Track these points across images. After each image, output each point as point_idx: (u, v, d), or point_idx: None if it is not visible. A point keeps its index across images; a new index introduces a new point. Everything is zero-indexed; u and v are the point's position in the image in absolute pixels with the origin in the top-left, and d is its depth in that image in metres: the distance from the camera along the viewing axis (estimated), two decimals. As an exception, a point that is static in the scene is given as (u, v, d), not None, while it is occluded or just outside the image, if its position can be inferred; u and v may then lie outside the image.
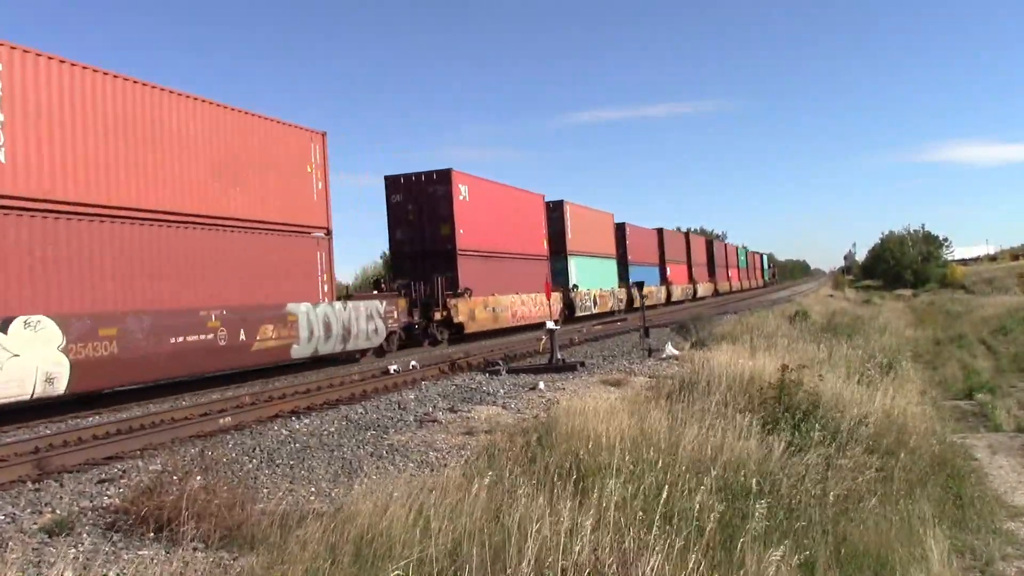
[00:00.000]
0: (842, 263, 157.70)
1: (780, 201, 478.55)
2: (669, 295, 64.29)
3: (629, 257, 55.50)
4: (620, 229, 55.27)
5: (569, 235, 44.41)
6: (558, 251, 43.11)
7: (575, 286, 43.95)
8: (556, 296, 38.99)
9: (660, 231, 66.81)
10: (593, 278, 47.65)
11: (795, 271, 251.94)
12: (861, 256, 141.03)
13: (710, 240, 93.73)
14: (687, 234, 78.59)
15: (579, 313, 43.84)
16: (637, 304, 50.30)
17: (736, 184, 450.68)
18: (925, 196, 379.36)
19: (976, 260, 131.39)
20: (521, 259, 37.99)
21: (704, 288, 79.42)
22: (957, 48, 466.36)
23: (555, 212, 43.62)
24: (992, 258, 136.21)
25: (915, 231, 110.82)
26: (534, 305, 38.04)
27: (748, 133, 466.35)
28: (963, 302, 58.36)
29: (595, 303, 47.22)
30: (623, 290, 52.30)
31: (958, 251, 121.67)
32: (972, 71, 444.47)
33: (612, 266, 52.54)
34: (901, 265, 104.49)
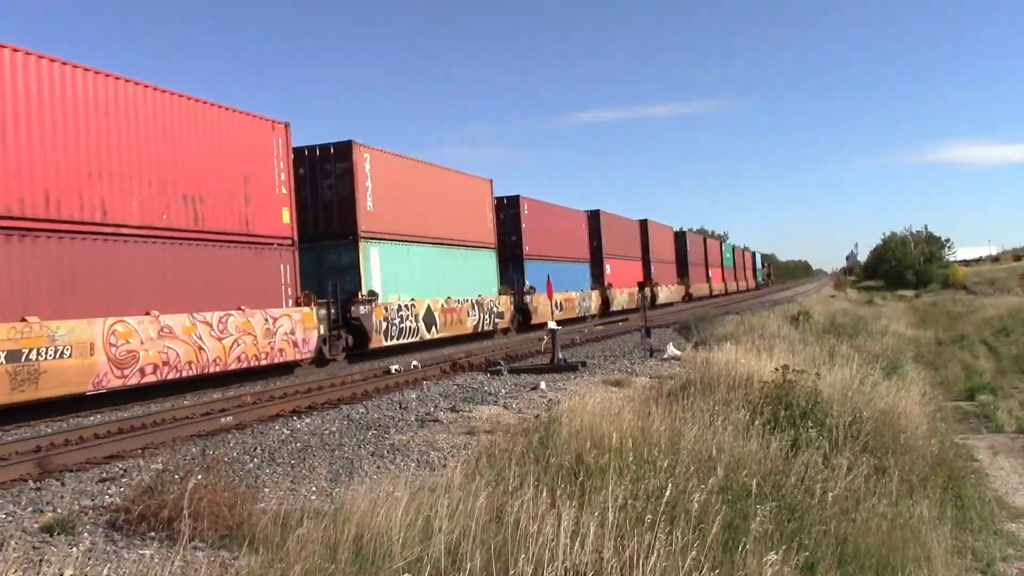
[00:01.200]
0: (844, 263, 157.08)
1: (782, 201, 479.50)
2: (606, 302, 48.53)
3: (525, 248, 37.90)
4: (510, 206, 37.87)
5: (369, 205, 25.76)
6: (342, 233, 25.22)
7: (372, 294, 25.29)
8: (309, 315, 22.10)
9: (595, 214, 49.17)
10: (433, 280, 29.42)
11: (797, 271, 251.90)
12: (863, 257, 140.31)
13: (681, 232, 75.02)
14: (644, 223, 60.71)
15: (385, 341, 25.77)
16: (538, 321, 35.98)
17: (738, 185, 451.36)
18: (927, 196, 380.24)
19: (978, 261, 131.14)
20: (197, 243, 19.19)
21: (669, 292, 63.64)
22: (958, 48, 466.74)
23: (337, 162, 25.50)
24: (994, 259, 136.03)
25: (917, 232, 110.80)
26: (244, 333, 19.63)
27: (749, 134, 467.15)
28: (965, 303, 58.46)
29: (432, 322, 28.85)
30: (506, 298, 35.19)
31: (960, 252, 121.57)
32: (973, 71, 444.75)
33: (486, 261, 34.17)
34: (903, 266, 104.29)
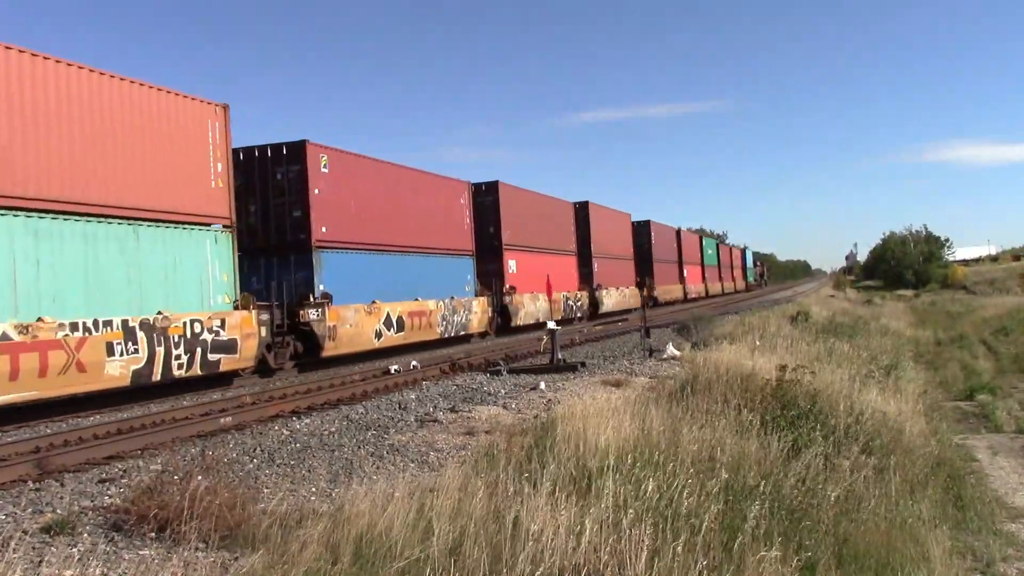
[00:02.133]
0: (843, 263, 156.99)
1: (782, 202, 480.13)
2: (506, 313, 34.52)
3: (319, 230, 23.24)
4: (290, 160, 23.31)
5: None
6: None
7: None
8: None
9: (490, 188, 34.90)
10: (45, 285, 15.21)
11: (796, 271, 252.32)
12: (862, 256, 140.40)
13: (643, 222, 58.60)
14: (583, 206, 45.70)
15: None
16: (335, 352, 22.89)
17: (738, 185, 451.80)
18: (927, 196, 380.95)
19: (977, 261, 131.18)
20: None
21: (621, 297, 49.37)
22: (958, 48, 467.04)
23: None
24: (993, 259, 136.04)
25: (917, 231, 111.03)
26: None
27: (750, 134, 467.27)
28: (964, 302, 58.54)
29: None
30: (250, 316, 19.87)
31: (959, 251, 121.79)
32: (973, 71, 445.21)
33: (200, 251, 19.16)
34: (902, 265, 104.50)
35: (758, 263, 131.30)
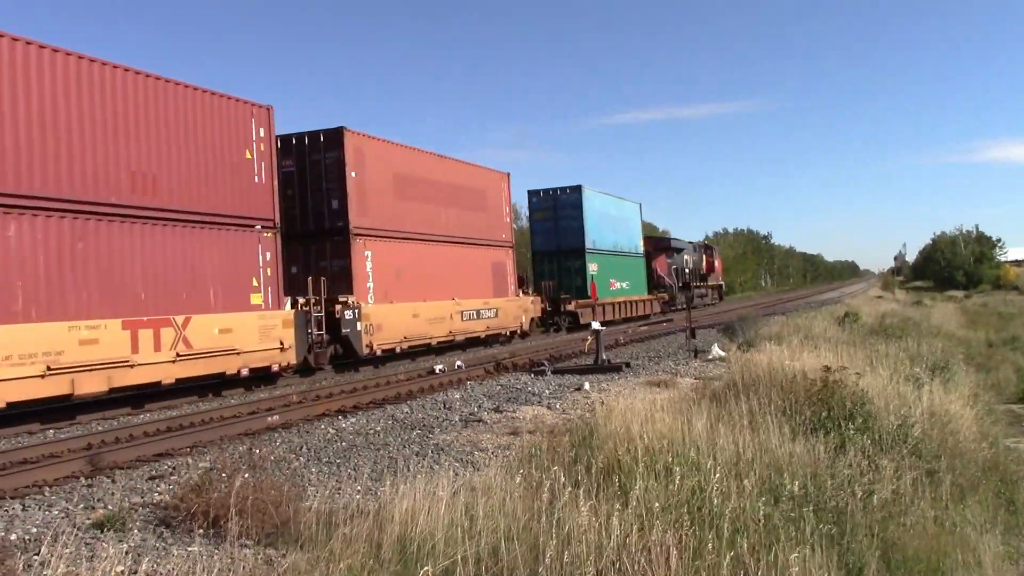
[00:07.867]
0: (892, 264, 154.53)
1: (829, 201, 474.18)
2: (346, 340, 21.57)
3: None
4: None
5: None
6: None
7: None
8: None
9: (329, 139, 22.73)
10: None
11: (844, 272, 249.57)
12: (911, 257, 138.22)
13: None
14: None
15: None
16: None
17: (783, 185, 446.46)
18: (977, 196, 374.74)
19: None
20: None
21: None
22: (1005, 45, 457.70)
23: None
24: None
25: (967, 232, 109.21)
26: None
27: (794, 134, 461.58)
28: (1016, 304, 57.35)
29: None
30: None
31: (1012, 252, 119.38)
32: (1020, 68, 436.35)
33: None
34: (952, 266, 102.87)
35: (698, 248, 63.83)
